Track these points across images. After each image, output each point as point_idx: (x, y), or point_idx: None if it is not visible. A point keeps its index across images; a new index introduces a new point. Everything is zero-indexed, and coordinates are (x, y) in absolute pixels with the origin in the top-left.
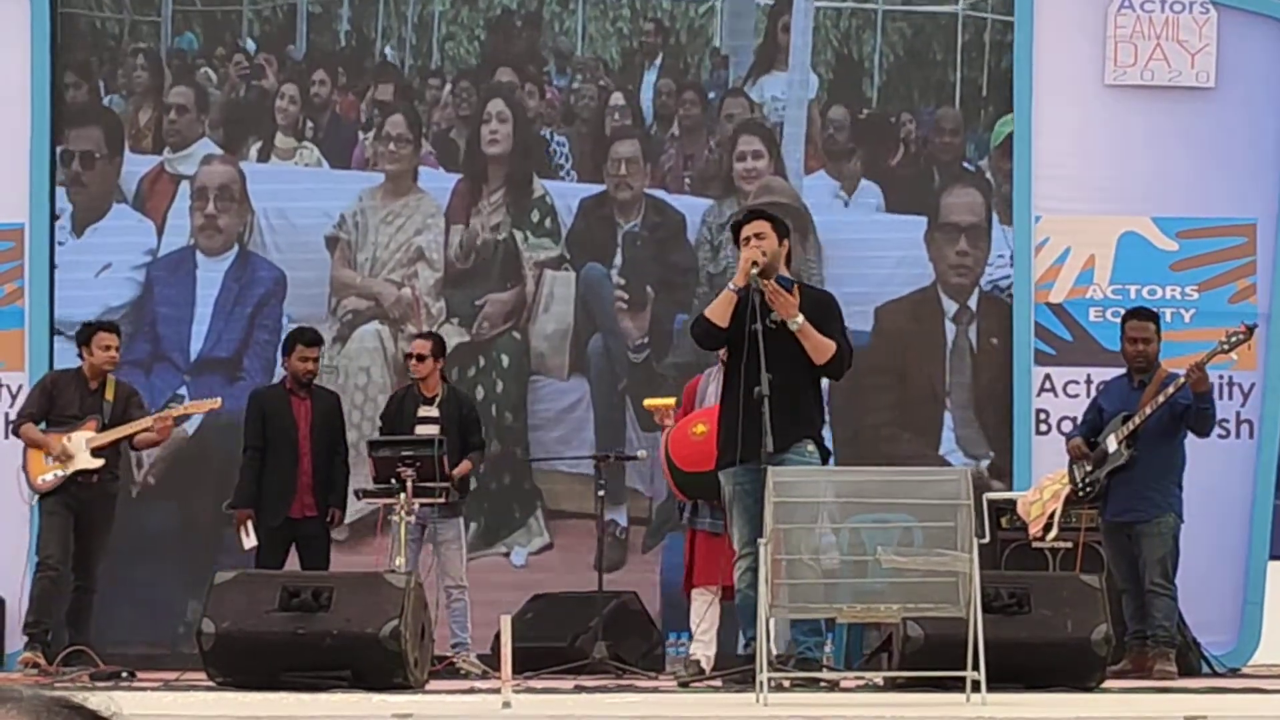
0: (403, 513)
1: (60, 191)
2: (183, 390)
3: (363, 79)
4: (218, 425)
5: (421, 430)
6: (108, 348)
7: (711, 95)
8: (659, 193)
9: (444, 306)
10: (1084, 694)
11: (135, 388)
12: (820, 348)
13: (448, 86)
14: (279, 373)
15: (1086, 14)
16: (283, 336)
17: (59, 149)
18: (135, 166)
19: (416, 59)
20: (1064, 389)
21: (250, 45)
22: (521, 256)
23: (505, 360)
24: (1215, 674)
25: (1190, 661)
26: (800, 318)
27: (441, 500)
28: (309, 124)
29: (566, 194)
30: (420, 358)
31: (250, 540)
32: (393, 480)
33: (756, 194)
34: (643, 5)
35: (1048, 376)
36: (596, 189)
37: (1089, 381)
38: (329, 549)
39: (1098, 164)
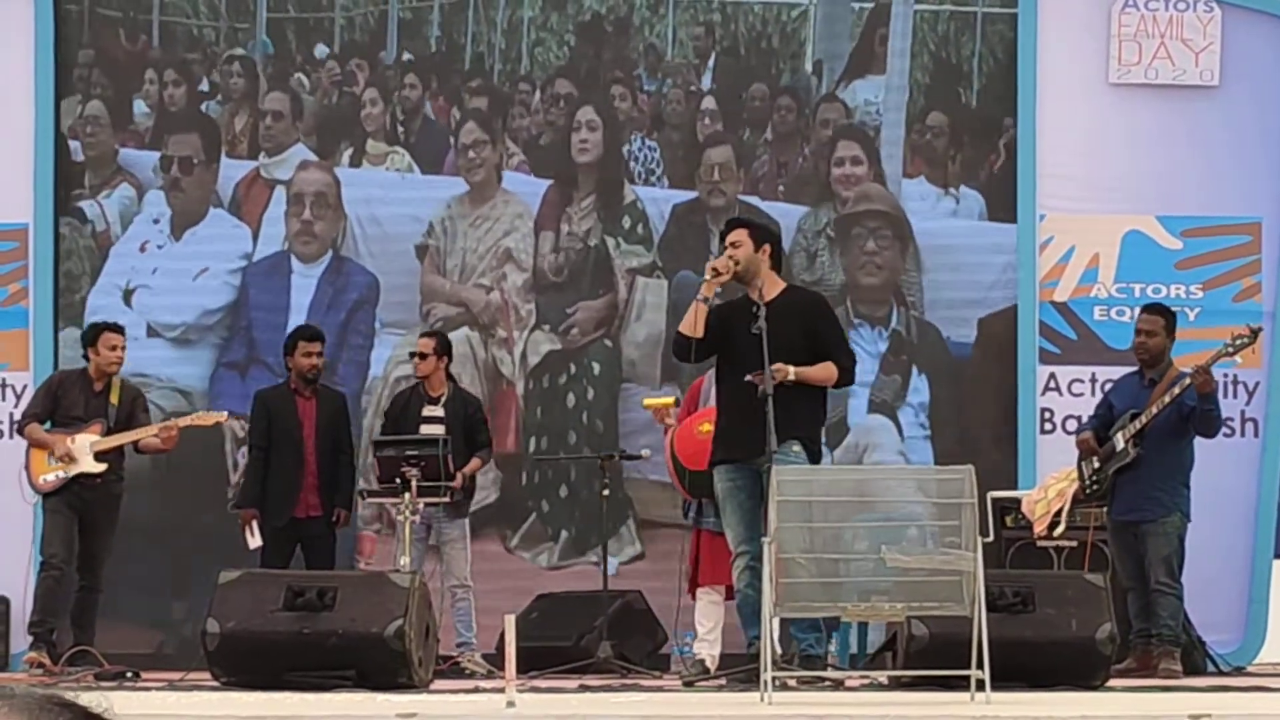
0: (407, 512)
1: (159, 195)
2: None
3: (452, 84)
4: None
5: (426, 430)
6: (114, 348)
7: (806, 100)
8: (753, 199)
9: (534, 309)
10: (1088, 693)
11: (140, 390)
12: (825, 380)
13: (537, 93)
14: (374, 374)
15: (1090, 12)
16: (377, 341)
17: (160, 154)
18: (231, 172)
19: (505, 64)
20: (1069, 388)
21: (322, 51)
22: (613, 263)
23: (596, 368)
24: (1220, 673)
25: (1195, 660)
26: (791, 372)
27: (446, 500)
28: (400, 129)
29: (659, 200)
30: (423, 356)
31: (255, 540)
32: (397, 480)
33: (854, 201)
34: (734, 9)
35: (1052, 375)
36: (689, 195)
37: (1094, 380)
38: (334, 549)
39: (1102, 163)
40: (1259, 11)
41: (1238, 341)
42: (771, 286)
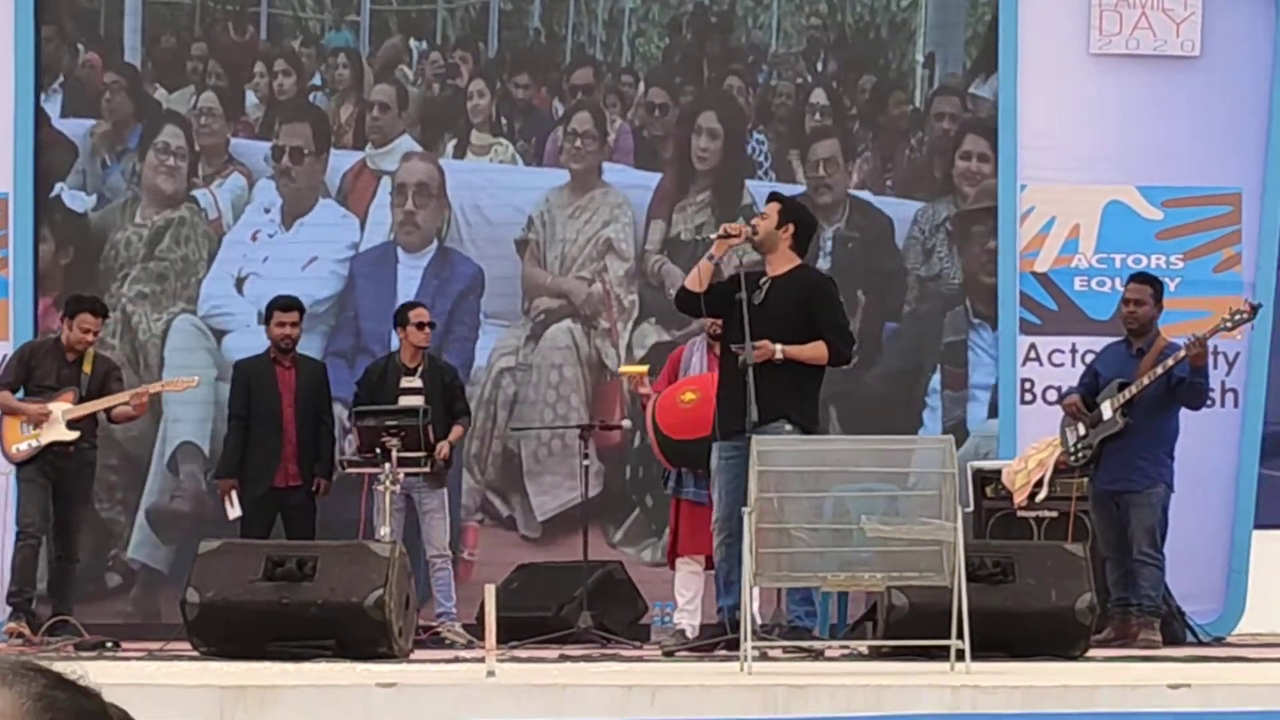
0: (388, 482)
1: (269, 185)
2: None
3: (553, 76)
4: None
5: (404, 402)
6: (87, 330)
7: (917, 93)
8: (863, 194)
9: (636, 300)
10: (1068, 662)
11: (116, 363)
12: (815, 359)
13: (641, 84)
14: (478, 364)
15: None
16: (481, 332)
17: (270, 144)
18: (338, 162)
19: (606, 55)
20: (1049, 358)
21: (417, 44)
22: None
23: None
24: (1200, 643)
25: (1175, 630)
26: (778, 350)
27: (426, 470)
28: (503, 120)
29: (766, 194)
30: (432, 325)
31: (235, 510)
32: (377, 450)
33: (976, 197)
34: (840, 0)
35: (1033, 346)
36: (796, 190)
37: (1074, 351)
38: (314, 519)
39: (1083, 133)
40: None
41: (1236, 317)
42: (781, 263)
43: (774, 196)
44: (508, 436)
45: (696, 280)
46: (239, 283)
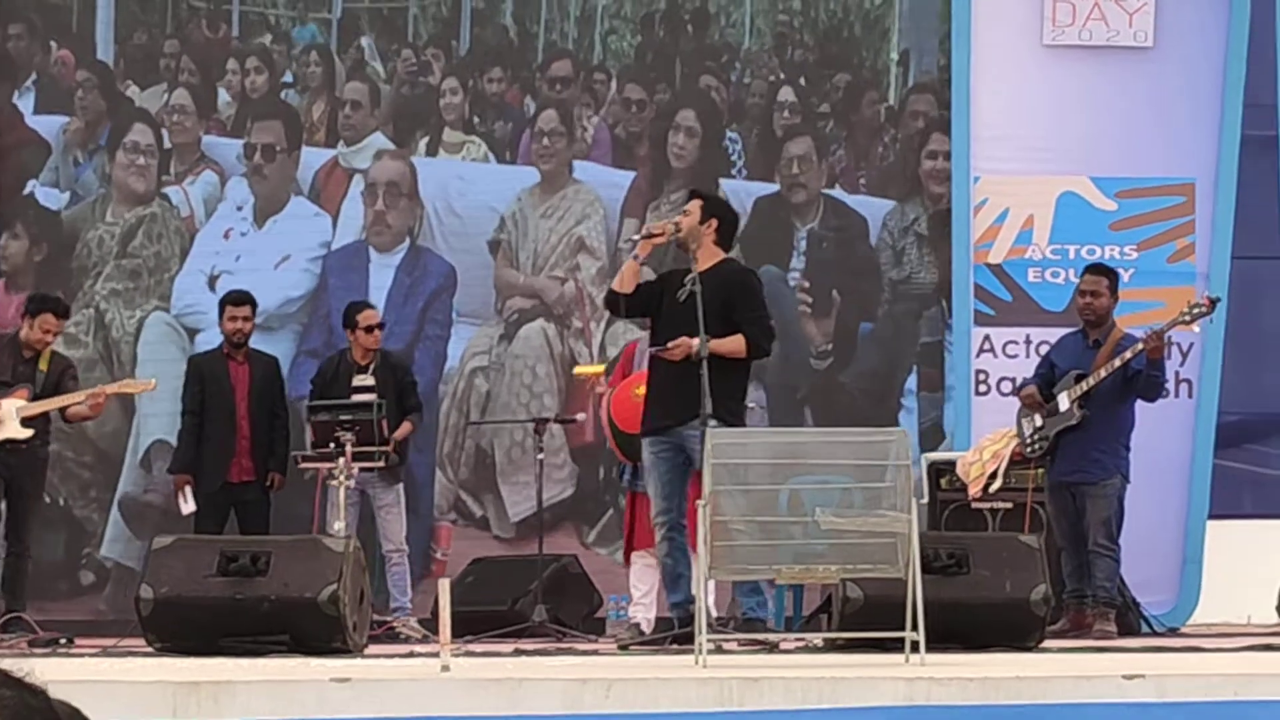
0: (342, 477)
1: (242, 182)
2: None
3: (525, 73)
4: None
5: (357, 399)
6: (48, 330)
7: (891, 92)
8: (837, 193)
9: None
10: (1023, 654)
11: (72, 361)
12: (734, 352)
13: (613, 82)
14: (450, 364)
15: None
16: (453, 332)
17: (243, 142)
18: (310, 160)
19: (579, 53)
20: (1003, 349)
21: (369, 48)
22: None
23: None
24: (1155, 634)
25: (1130, 621)
26: (697, 344)
27: (381, 465)
28: (475, 118)
29: (739, 193)
30: (381, 326)
31: (189, 505)
32: (331, 445)
33: (947, 196)
34: None
35: (987, 337)
36: (770, 189)
37: (1028, 342)
38: (269, 513)
39: (1036, 124)
40: None
41: (1195, 310)
42: (707, 259)
43: (695, 193)
44: (479, 435)
45: (620, 282)
46: (211, 281)
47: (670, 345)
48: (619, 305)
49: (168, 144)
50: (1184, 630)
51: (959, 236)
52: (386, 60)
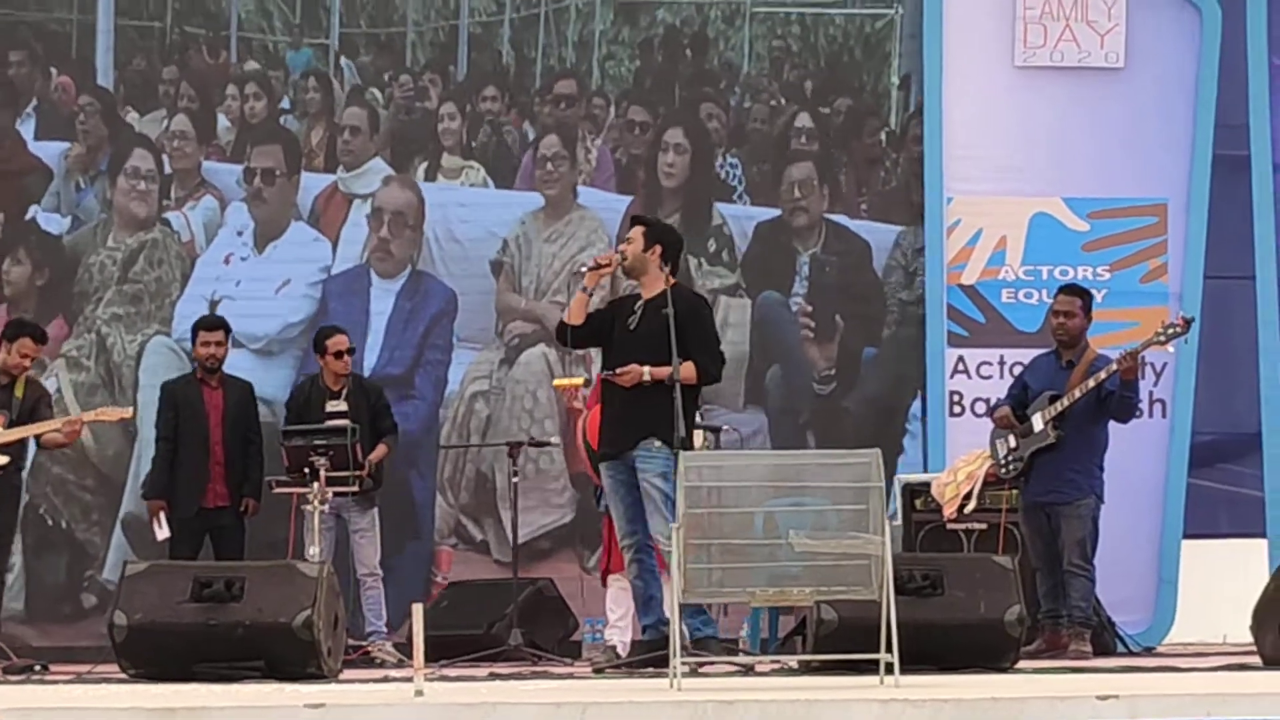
0: (316, 502)
1: (242, 207)
2: None
3: (523, 98)
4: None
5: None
6: (25, 355)
7: (892, 116)
8: (839, 218)
9: None
10: (997, 674)
11: (46, 389)
12: (684, 379)
13: (612, 107)
14: (450, 389)
15: None
16: (454, 356)
17: (243, 166)
18: (310, 185)
19: (577, 78)
20: (977, 370)
21: (349, 70)
22: (694, 284)
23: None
24: (1130, 653)
25: (1105, 641)
26: (646, 372)
27: (355, 489)
28: (473, 144)
29: (741, 218)
30: (351, 351)
31: (163, 531)
32: (305, 470)
33: None
34: (814, 20)
35: (961, 358)
36: (772, 213)
37: (1002, 363)
38: (244, 539)
39: (1008, 145)
40: None
41: (1169, 330)
42: (653, 285)
43: (636, 219)
44: (479, 459)
45: (570, 313)
46: (213, 305)
47: (620, 370)
48: (566, 336)
49: (168, 169)
50: (1159, 650)
51: (932, 258)
52: (383, 86)
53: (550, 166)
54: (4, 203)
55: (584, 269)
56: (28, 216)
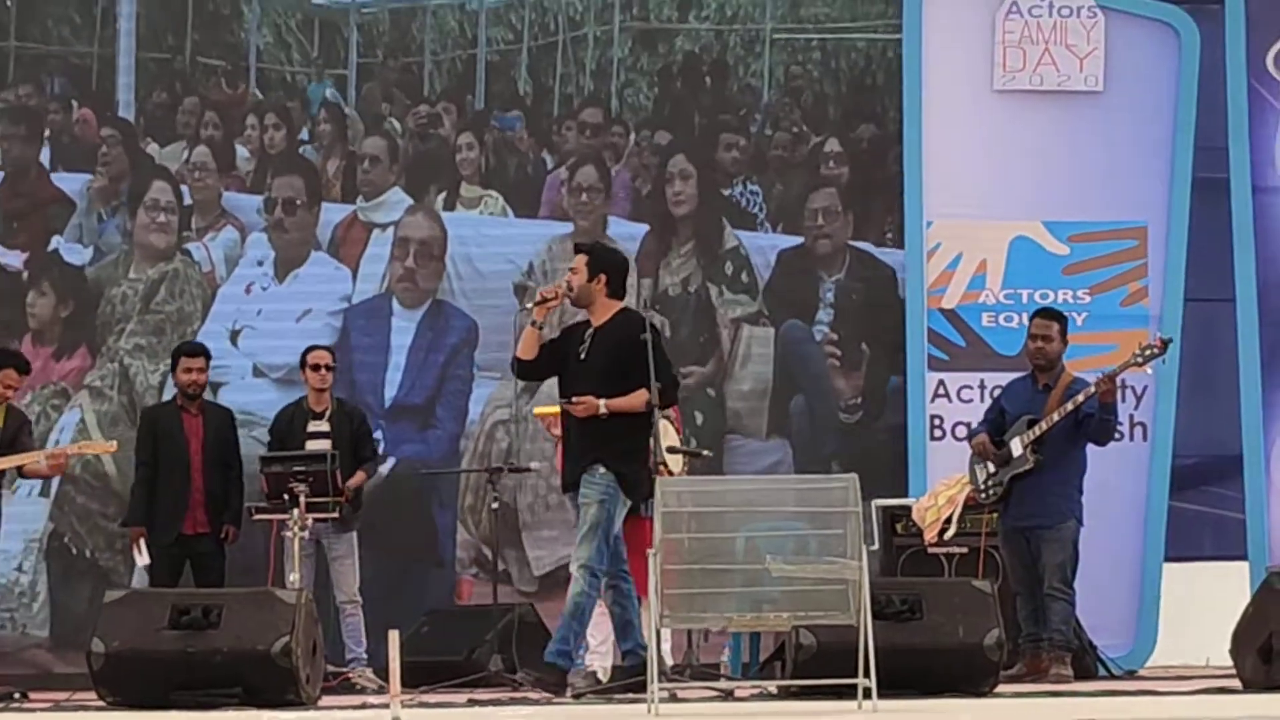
0: (295, 528)
1: (262, 238)
2: (378, 434)
3: (542, 126)
4: (411, 466)
5: (312, 445)
6: (8, 386)
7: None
8: (863, 244)
9: None
10: (977, 699)
11: (28, 416)
12: (637, 409)
13: (632, 135)
14: (471, 418)
15: (974, 20)
16: (474, 385)
17: (263, 197)
18: (329, 214)
19: (596, 106)
20: (958, 394)
21: (315, 104)
22: (715, 312)
23: (699, 418)
24: (1111, 677)
25: (1087, 665)
26: (602, 406)
27: (334, 515)
28: (492, 173)
29: (763, 246)
30: (329, 368)
31: (143, 558)
32: (285, 496)
33: None
34: (834, 46)
35: (941, 382)
36: (794, 241)
37: (983, 387)
38: (223, 566)
39: (988, 169)
40: (1142, 16)
41: (1147, 352)
42: (602, 313)
43: (579, 248)
44: (501, 489)
45: (522, 348)
46: (234, 335)
47: (576, 400)
48: (530, 370)
49: (188, 200)
50: (1141, 673)
51: (912, 282)
52: (401, 116)
53: (585, 197)
54: (30, 234)
55: (529, 305)
56: (50, 247)
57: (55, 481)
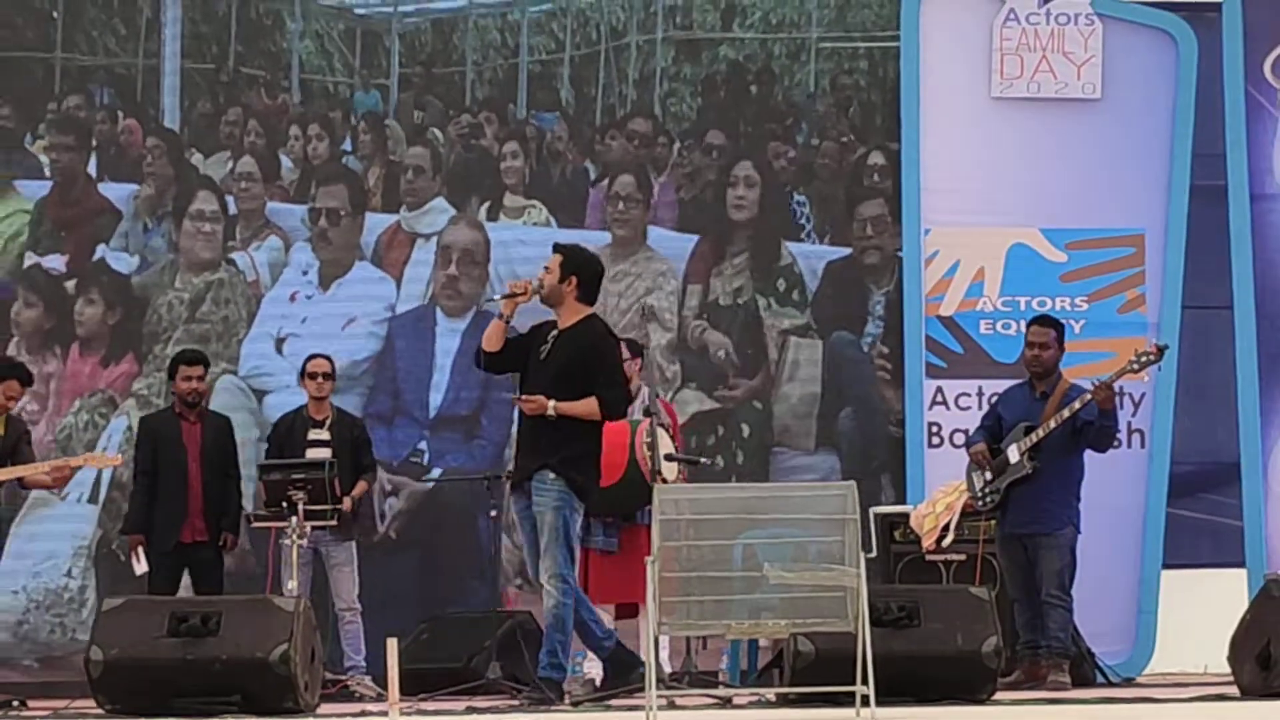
0: (294, 536)
1: (306, 247)
2: (423, 445)
3: (585, 136)
4: (459, 476)
5: (312, 454)
6: (10, 397)
7: None
8: None
9: (679, 370)
10: (975, 706)
11: (28, 426)
12: (587, 415)
13: (676, 144)
14: (515, 429)
15: (972, 28)
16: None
17: (307, 206)
18: (373, 224)
19: (640, 115)
20: (955, 401)
21: (361, 113)
22: (764, 324)
23: (746, 430)
24: (1110, 684)
25: (1085, 672)
26: (551, 406)
27: (333, 523)
28: (536, 182)
29: (810, 256)
30: (326, 376)
31: (142, 566)
32: (283, 504)
33: None
34: (881, 55)
35: (939, 389)
36: (842, 252)
37: (980, 394)
38: (222, 573)
39: (986, 176)
40: (1139, 24)
41: (1143, 358)
42: (569, 316)
43: (557, 248)
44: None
45: (487, 340)
46: (279, 344)
47: (526, 398)
48: (492, 362)
49: (233, 210)
50: (1139, 680)
51: (910, 289)
52: (444, 125)
53: (623, 206)
54: (77, 243)
55: (497, 297)
56: (97, 256)
57: (104, 488)
